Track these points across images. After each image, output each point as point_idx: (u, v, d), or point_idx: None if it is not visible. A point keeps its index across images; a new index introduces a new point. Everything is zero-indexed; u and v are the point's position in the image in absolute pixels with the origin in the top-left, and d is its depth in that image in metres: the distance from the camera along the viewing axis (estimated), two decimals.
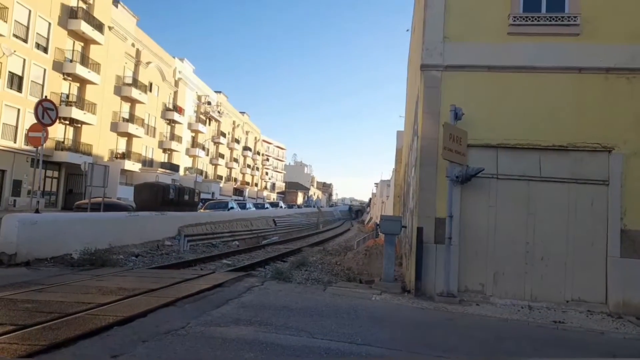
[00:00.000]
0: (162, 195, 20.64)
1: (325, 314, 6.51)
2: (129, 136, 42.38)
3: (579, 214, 8.48)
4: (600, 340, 6.47)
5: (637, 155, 8.34)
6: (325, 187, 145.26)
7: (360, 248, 15.01)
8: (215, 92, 65.12)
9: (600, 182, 8.49)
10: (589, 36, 8.65)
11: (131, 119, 41.99)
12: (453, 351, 5.33)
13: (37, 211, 11.76)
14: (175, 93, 51.91)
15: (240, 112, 78.99)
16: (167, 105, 50.23)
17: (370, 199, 64.89)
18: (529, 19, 8.85)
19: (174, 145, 50.80)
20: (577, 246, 8.40)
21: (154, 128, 47.65)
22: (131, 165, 41.78)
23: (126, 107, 42.02)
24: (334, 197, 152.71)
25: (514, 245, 8.58)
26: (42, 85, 30.96)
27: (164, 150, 50.61)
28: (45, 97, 26.45)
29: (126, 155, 41.73)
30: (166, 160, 50.56)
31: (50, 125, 12.40)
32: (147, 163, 46.19)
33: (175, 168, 50.69)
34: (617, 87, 8.54)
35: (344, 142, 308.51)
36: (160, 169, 47.20)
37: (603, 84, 8.59)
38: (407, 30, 21.06)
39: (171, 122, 51.20)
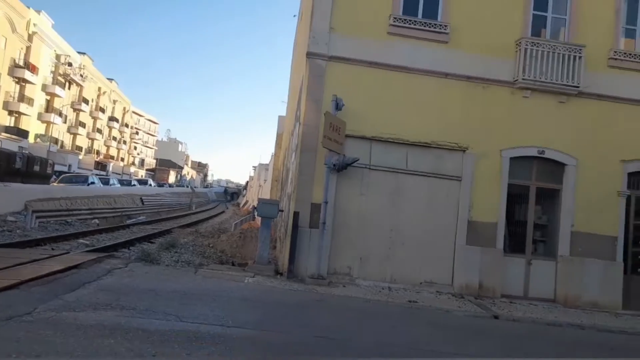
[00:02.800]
0: (6, 163, 17.80)
1: (195, 297, 6.29)
2: None
3: (436, 205, 9.45)
4: (445, 317, 7.34)
5: (485, 156, 9.55)
6: (201, 167, 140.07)
7: (235, 231, 14.83)
8: (79, 52, 57.90)
9: (455, 177, 9.55)
10: (456, 45, 9.59)
11: None
12: (320, 330, 5.56)
13: None
14: (28, 48, 44.85)
15: (108, 79, 71.64)
16: (17, 62, 43.28)
17: (247, 182, 64.34)
18: (407, 22, 9.48)
19: (22, 107, 44.01)
20: (433, 233, 9.37)
21: None
22: None
23: None
24: (209, 178, 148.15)
25: (379, 232, 9.24)
26: None
27: (10, 113, 43.60)
28: None
29: None
30: (12, 125, 43.69)
31: None
32: None
33: (23, 134, 44.08)
34: (474, 94, 9.65)
35: (223, 122, 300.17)
36: (3, 134, 40.69)
37: (464, 90, 9.62)
38: (294, 15, 21.15)
39: (21, 81, 44.21)
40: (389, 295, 8.28)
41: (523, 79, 9.52)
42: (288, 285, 8.11)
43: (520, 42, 9.57)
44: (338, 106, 8.89)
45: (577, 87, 9.59)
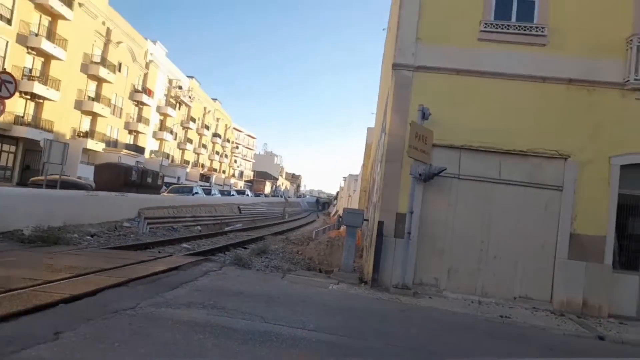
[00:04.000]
0: (124, 176, 20.05)
1: (280, 300, 6.53)
2: (94, 115, 40.90)
3: (533, 217, 8.79)
4: (541, 335, 6.74)
5: (590, 163, 8.70)
6: (294, 178, 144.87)
7: (322, 238, 15.10)
8: (188, 77, 63.69)
9: (555, 187, 8.82)
10: (554, 47, 8.93)
11: (97, 98, 40.52)
12: (401, 340, 5.45)
13: None
14: (146, 75, 50.39)
15: (212, 99, 77.62)
16: (136, 87, 48.76)
17: (338, 192, 65.23)
18: (499, 27, 9.04)
19: (140, 127, 49.41)
20: (529, 246, 8.72)
21: (121, 109, 46.15)
22: (94, 145, 40.38)
23: (93, 85, 40.50)
24: (302, 189, 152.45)
25: (469, 243, 8.82)
26: (4, 58, 29.42)
27: (130, 132, 49.18)
28: (4, 69, 25.22)
29: (89, 134, 40.29)
30: (131, 142, 49.17)
31: (8, 98, 11.78)
32: (111, 144, 44.74)
33: (140, 150, 49.36)
34: (577, 98, 8.87)
35: (316, 135, 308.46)
36: (124, 150, 45.88)
37: (564, 94, 8.90)
38: (383, 29, 21.20)
39: (139, 104, 49.75)
40: (478, 309, 7.84)
41: (635, 79, 8.56)
42: (371, 293, 8.06)
43: (631, 40, 8.63)
44: (424, 115, 8.73)
45: None
